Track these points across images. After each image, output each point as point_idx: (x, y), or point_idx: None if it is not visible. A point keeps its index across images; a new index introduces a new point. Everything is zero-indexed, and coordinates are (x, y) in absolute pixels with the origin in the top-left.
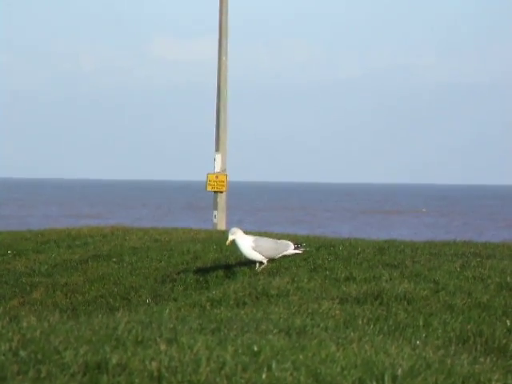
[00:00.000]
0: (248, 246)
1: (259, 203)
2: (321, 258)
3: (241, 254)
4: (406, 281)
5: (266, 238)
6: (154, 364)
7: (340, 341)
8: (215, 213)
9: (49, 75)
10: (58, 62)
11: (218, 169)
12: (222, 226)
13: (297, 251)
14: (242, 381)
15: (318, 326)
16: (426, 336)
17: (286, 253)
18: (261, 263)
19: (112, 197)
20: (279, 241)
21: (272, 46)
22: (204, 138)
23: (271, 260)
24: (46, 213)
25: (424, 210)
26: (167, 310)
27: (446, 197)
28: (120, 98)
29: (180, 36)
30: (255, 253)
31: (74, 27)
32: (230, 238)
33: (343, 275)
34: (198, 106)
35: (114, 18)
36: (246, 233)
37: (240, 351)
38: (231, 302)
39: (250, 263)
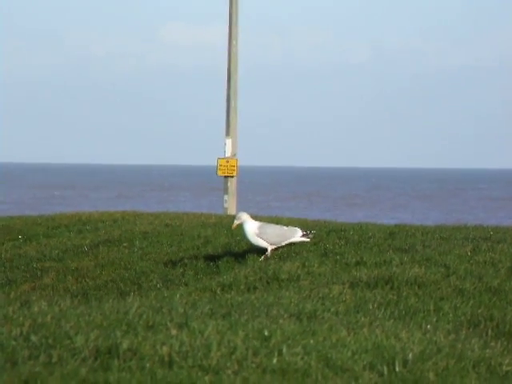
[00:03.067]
0: (252, 232)
1: (283, 188)
2: (331, 243)
3: (246, 239)
4: (416, 265)
5: (272, 225)
6: (164, 349)
7: (351, 325)
8: (226, 197)
9: (61, 61)
10: (71, 48)
11: (228, 153)
12: (232, 211)
13: (304, 239)
14: (253, 365)
15: (329, 310)
16: (436, 320)
17: (292, 240)
18: (266, 250)
19: (126, 181)
20: (286, 227)
21: (283, 32)
22: (215, 123)
23: (277, 247)
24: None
25: None
26: (178, 295)
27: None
28: (132, 83)
29: (191, 21)
30: (260, 239)
31: (87, 13)
32: (236, 222)
33: (354, 260)
34: (209, 90)
35: (126, 3)
36: (256, 218)
37: (251, 336)
38: (242, 287)
39: (258, 249)
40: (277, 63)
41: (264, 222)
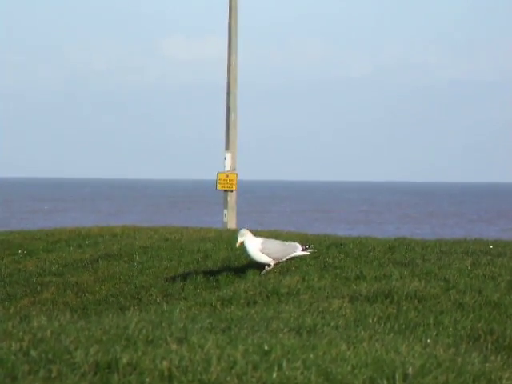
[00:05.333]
0: (256, 248)
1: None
2: (331, 257)
3: (248, 256)
4: (416, 279)
5: (274, 240)
6: (164, 363)
7: (350, 340)
8: (225, 212)
9: (61, 75)
10: (70, 62)
11: (228, 168)
12: (232, 225)
13: (305, 253)
14: (253, 380)
15: (329, 324)
16: (436, 334)
17: (293, 254)
18: (268, 266)
19: (125, 195)
20: (287, 243)
21: (284, 45)
22: (215, 137)
23: (278, 262)
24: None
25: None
26: (178, 310)
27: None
28: (131, 97)
29: (191, 35)
30: (263, 255)
31: (86, 27)
32: (240, 239)
33: (353, 274)
34: (208, 104)
35: (125, 17)
36: (255, 232)
37: (251, 350)
38: (242, 301)
39: (259, 265)
40: (277, 76)
41: (264, 236)
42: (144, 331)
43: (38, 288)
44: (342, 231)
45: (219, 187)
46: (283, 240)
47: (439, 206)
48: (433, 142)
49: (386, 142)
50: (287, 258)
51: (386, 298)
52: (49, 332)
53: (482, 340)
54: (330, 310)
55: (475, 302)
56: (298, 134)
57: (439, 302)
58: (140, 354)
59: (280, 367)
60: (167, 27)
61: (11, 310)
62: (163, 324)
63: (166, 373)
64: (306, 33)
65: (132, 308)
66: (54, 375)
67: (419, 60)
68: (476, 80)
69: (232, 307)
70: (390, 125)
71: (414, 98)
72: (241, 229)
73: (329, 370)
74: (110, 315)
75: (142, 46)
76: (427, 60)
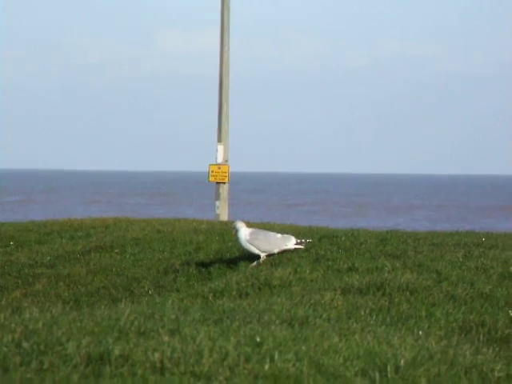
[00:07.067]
0: (244, 239)
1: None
2: (323, 249)
3: (240, 246)
4: (408, 271)
5: (264, 232)
6: (156, 355)
7: (342, 332)
8: (217, 203)
9: (56, 67)
10: (65, 55)
11: (220, 159)
12: (224, 217)
13: (298, 246)
14: (245, 371)
15: (321, 316)
16: (428, 326)
17: (285, 247)
18: (258, 257)
19: (117, 187)
20: (280, 235)
21: (278, 39)
22: (207, 129)
23: (270, 254)
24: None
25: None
26: (170, 301)
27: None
28: (126, 89)
29: (185, 28)
30: (251, 246)
31: (81, 20)
32: (234, 232)
33: (346, 266)
34: (202, 96)
35: (120, 10)
36: (248, 224)
37: (242, 342)
38: (234, 293)
39: (251, 255)
40: (271, 68)
41: (257, 228)
42: (136, 323)
43: (30, 280)
44: (339, 223)
45: (211, 179)
46: (276, 232)
47: (443, 199)
48: (431, 134)
49: (383, 134)
50: (278, 250)
51: (378, 290)
52: (41, 324)
53: (473, 332)
54: (322, 302)
55: (467, 294)
56: (292, 126)
57: (431, 294)
58: (132, 345)
59: (272, 359)
60: (163, 20)
61: (3, 302)
62: (155, 316)
63: (158, 364)
64: (301, 25)
65: (124, 300)
66: (45, 367)
67: (416, 53)
68: (473, 72)
69: (224, 299)
70: (387, 117)
71: (411, 90)
72: (236, 220)
73: (321, 361)
74: (102, 307)
75: (137, 39)
76: (424, 53)
